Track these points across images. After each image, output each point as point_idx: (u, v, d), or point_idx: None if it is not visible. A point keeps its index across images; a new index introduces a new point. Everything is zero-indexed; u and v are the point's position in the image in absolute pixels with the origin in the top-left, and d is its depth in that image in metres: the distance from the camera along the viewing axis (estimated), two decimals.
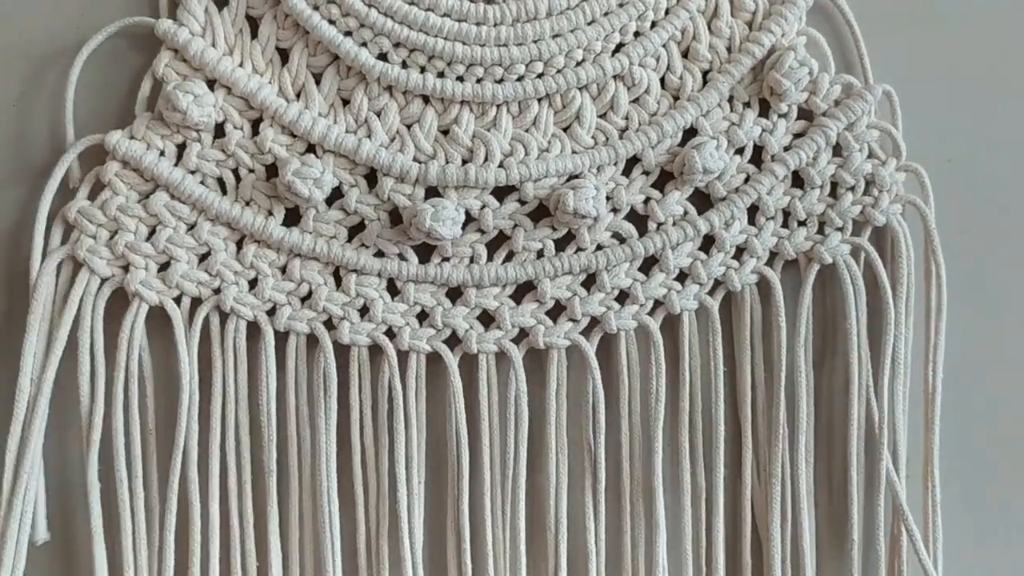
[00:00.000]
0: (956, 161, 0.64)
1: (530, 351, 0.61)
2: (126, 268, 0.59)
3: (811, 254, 0.62)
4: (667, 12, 0.60)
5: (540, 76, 0.59)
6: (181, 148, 0.60)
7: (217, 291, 0.60)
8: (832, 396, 0.64)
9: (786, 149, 0.62)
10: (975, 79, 0.64)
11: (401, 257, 0.60)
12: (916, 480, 0.63)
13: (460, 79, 0.59)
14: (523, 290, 0.61)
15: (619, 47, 0.60)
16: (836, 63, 0.62)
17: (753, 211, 0.62)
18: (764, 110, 0.62)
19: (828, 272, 0.63)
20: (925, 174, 0.63)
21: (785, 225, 0.62)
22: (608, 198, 0.60)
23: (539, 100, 0.60)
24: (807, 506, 0.62)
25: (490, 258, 0.61)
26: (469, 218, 0.60)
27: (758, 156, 0.62)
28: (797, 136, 0.62)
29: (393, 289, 0.61)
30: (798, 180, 0.62)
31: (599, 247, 0.61)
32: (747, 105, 0.61)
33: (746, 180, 0.61)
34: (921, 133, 0.63)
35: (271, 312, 0.60)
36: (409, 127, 0.60)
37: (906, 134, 0.63)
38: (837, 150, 0.62)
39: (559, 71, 0.59)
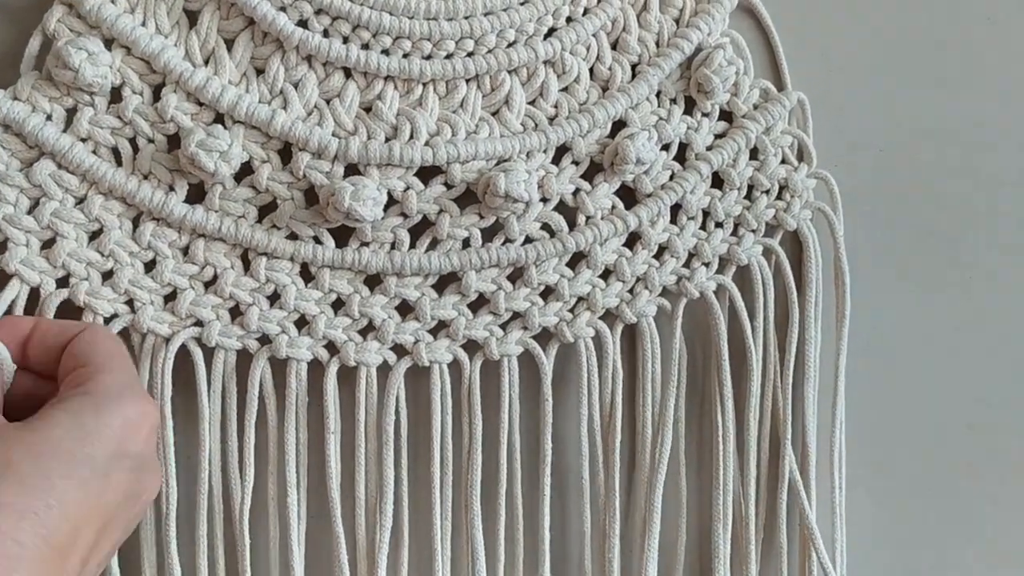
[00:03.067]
0: (886, 153, 0.65)
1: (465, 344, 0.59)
2: (4, 245, 0.53)
3: (727, 256, 0.61)
4: (599, 0, 0.59)
5: (470, 55, 0.56)
6: (71, 113, 0.54)
7: (109, 273, 0.54)
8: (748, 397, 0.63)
9: (708, 149, 0.61)
10: (897, 73, 0.65)
11: (316, 240, 0.56)
12: (823, 482, 0.63)
13: (385, 52, 0.56)
14: (444, 281, 0.58)
15: (551, 32, 0.58)
16: (755, 67, 0.62)
17: (675, 210, 0.61)
18: (689, 108, 0.61)
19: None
20: (834, 182, 0.63)
21: (703, 227, 0.61)
22: (538, 186, 0.57)
23: (467, 81, 0.57)
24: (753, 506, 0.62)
25: (412, 245, 0.57)
26: (391, 201, 0.56)
27: (681, 154, 0.61)
28: (718, 137, 0.61)
29: (307, 275, 0.56)
30: (716, 181, 0.61)
31: (528, 239, 0.58)
32: (673, 101, 0.60)
33: (671, 177, 0.60)
34: (843, 130, 0.64)
35: (170, 297, 0.55)
36: (328, 102, 0.56)
37: (831, 131, 0.63)
38: (753, 154, 0.62)
39: (490, 51, 0.57)
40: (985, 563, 0.67)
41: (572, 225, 0.59)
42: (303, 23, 0.55)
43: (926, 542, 0.67)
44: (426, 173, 0.57)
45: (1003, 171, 0.65)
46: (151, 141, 0.54)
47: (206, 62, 0.55)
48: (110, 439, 0.42)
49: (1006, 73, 0.65)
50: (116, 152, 0.54)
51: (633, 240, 0.60)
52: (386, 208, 0.55)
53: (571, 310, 0.59)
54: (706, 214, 0.61)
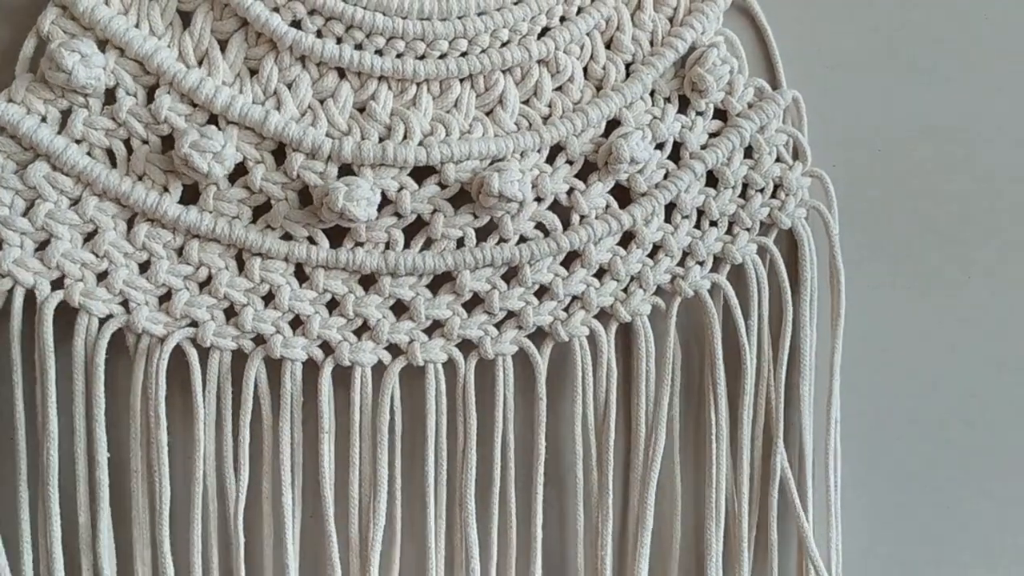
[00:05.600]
0: (882, 152, 0.65)
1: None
2: None
3: (722, 255, 0.61)
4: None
5: (464, 55, 0.57)
6: (66, 115, 0.54)
7: (104, 274, 0.54)
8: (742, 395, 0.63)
9: (702, 147, 0.61)
10: (891, 71, 0.65)
11: (310, 241, 0.56)
12: (819, 480, 0.64)
13: (379, 53, 0.56)
14: (439, 281, 0.58)
15: (544, 31, 0.58)
16: (749, 66, 0.62)
17: (669, 209, 0.61)
18: (683, 107, 0.61)
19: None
20: (829, 180, 0.63)
21: (697, 225, 0.61)
22: (532, 185, 0.57)
23: (461, 81, 0.57)
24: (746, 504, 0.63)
25: (407, 245, 0.57)
26: (385, 200, 0.56)
27: (675, 153, 0.61)
28: (712, 136, 0.61)
29: (301, 275, 0.56)
30: (710, 180, 0.61)
31: (522, 239, 0.58)
32: (668, 100, 0.60)
33: (665, 176, 0.60)
34: (838, 128, 0.64)
35: (165, 297, 0.55)
36: (322, 102, 0.56)
37: (826, 130, 0.63)
38: (747, 152, 0.62)
39: (483, 51, 0.57)
40: (982, 561, 0.67)
41: (566, 224, 0.59)
42: (296, 24, 0.55)
43: (922, 540, 0.67)
44: (420, 173, 0.57)
45: (999, 169, 0.65)
46: (145, 142, 0.54)
47: (200, 63, 0.55)
48: None
49: (1001, 71, 0.65)
50: (110, 153, 0.54)
51: (627, 239, 0.60)
52: (380, 208, 0.56)
53: (566, 309, 0.59)
54: (700, 213, 0.61)
